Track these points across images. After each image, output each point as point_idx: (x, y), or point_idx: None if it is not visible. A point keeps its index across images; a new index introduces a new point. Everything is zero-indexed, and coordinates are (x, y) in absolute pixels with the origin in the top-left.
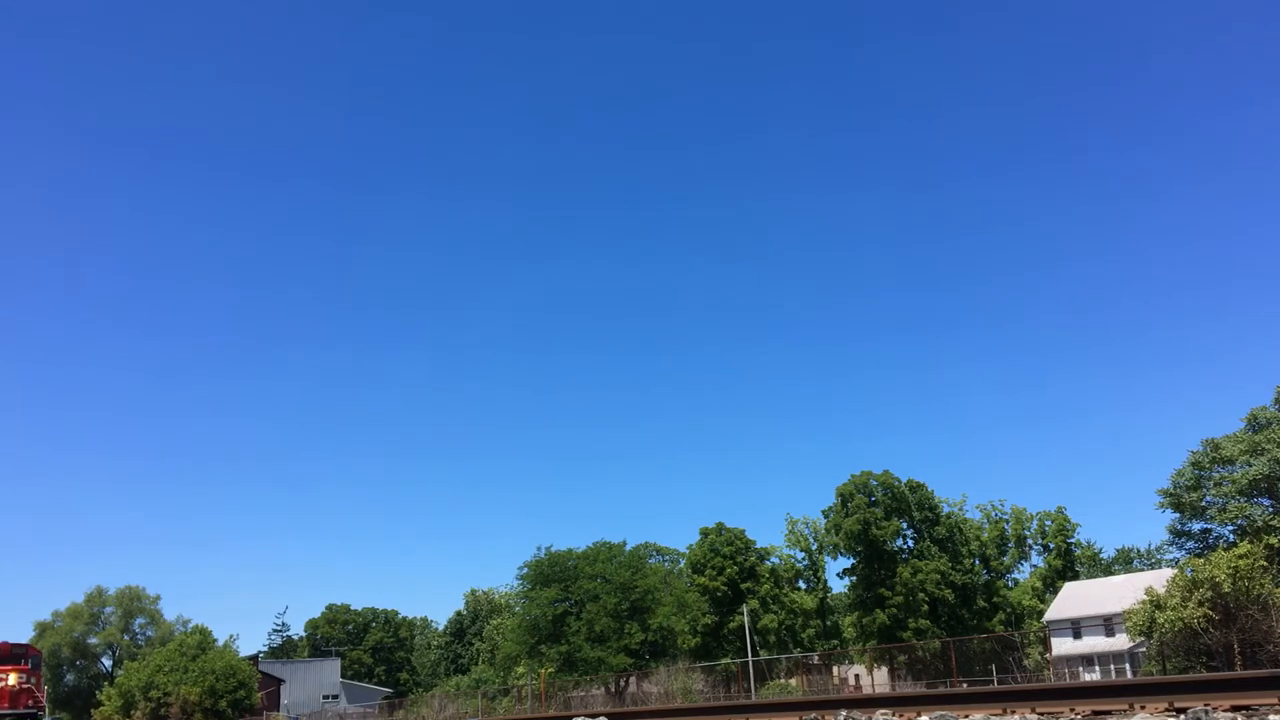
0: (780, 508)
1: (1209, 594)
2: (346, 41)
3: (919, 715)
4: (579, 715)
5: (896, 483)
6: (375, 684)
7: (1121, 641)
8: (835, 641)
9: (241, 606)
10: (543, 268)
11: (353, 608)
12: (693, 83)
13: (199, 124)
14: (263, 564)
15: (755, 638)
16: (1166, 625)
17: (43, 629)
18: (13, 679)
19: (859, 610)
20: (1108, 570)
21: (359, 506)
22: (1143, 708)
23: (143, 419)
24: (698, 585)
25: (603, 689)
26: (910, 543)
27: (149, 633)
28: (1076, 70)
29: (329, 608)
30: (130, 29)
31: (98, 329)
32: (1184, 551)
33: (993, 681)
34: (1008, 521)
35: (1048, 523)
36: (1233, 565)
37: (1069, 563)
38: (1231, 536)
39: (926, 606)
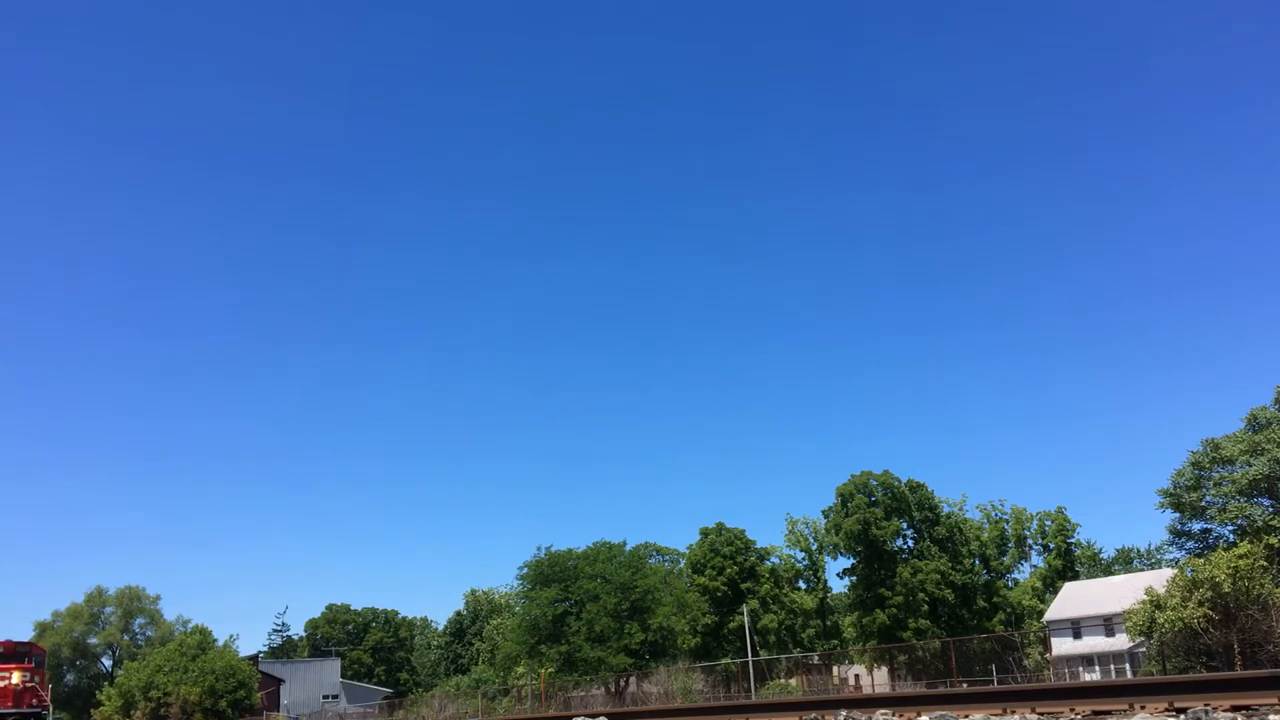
0: (780, 508)
1: (1209, 594)
2: (346, 41)
3: (919, 715)
4: (579, 715)
5: (896, 483)
6: (375, 684)
7: (1121, 641)
8: (835, 641)
9: (241, 606)
10: (543, 268)
11: (353, 608)
12: (693, 83)
13: (199, 124)
14: (263, 564)
15: (755, 638)
16: (1166, 625)
17: (43, 629)
18: (16, 678)
19: (859, 610)
20: (1108, 570)
21: (359, 506)
22: (1143, 708)
23: (143, 419)
24: (698, 585)
25: (603, 689)
26: (910, 543)
27: (149, 633)
28: (1076, 70)
29: (329, 608)
30: (130, 29)
31: (98, 329)
32: (1184, 551)
33: (993, 681)
34: (1008, 521)
35: (1048, 523)
36: (1233, 565)
37: (1069, 563)
38: (1231, 536)
39: (926, 606)
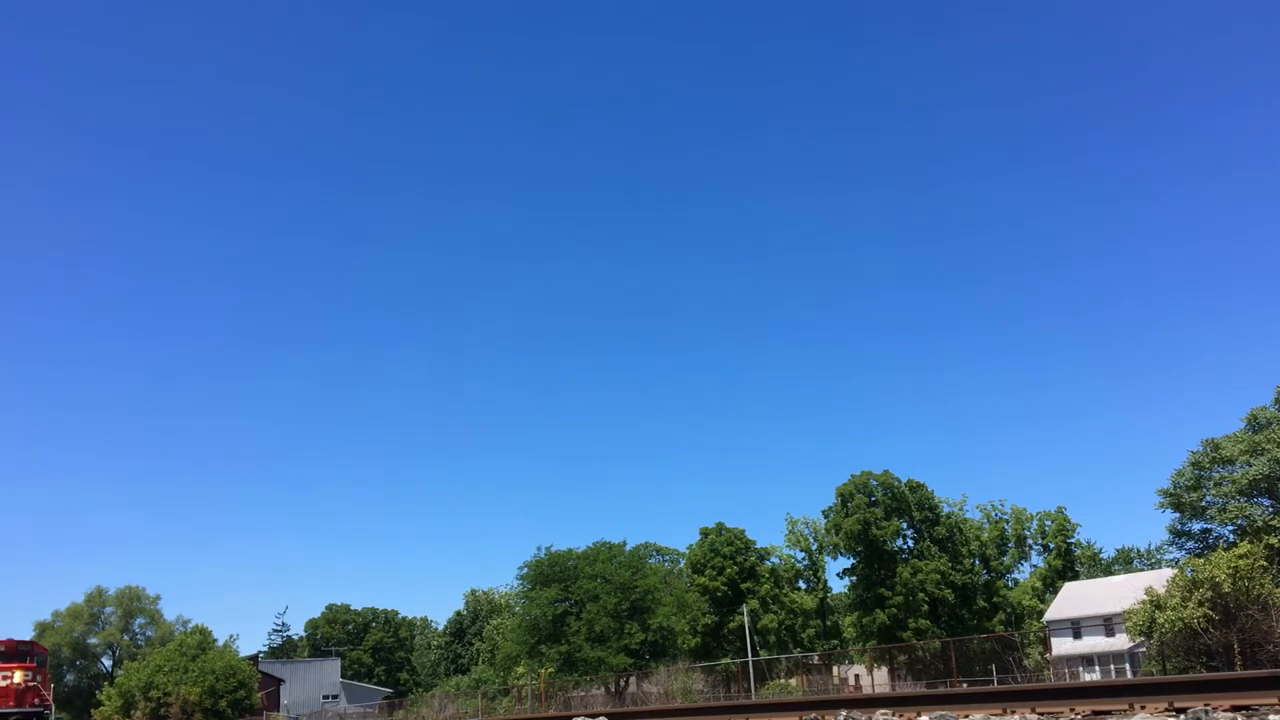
0: (780, 508)
1: (1209, 594)
2: (346, 41)
3: (919, 715)
4: (579, 715)
5: (896, 483)
6: (375, 684)
7: (1121, 641)
8: (835, 641)
9: (241, 606)
10: (543, 268)
11: (353, 608)
12: (693, 83)
13: (199, 124)
14: (263, 564)
15: (755, 638)
16: (1166, 625)
17: (43, 629)
18: (18, 677)
19: (859, 610)
20: (1108, 570)
21: (359, 506)
22: (1143, 708)
23: (143, 419)
24: (698, 585)
25: (603, 689)
26: (910, 543)
27: (149, 633)
28: (1076, 70)
29: (329, 608)
30: (130, 29)
31: (98, 329)
32: (1184, 551)
33: (993, 681)
34: (1008, 521)
35: (1048, 523)
36: (1233, 565)
37: (1069, 563)
38: (1231, 536)
39: (926, 606)
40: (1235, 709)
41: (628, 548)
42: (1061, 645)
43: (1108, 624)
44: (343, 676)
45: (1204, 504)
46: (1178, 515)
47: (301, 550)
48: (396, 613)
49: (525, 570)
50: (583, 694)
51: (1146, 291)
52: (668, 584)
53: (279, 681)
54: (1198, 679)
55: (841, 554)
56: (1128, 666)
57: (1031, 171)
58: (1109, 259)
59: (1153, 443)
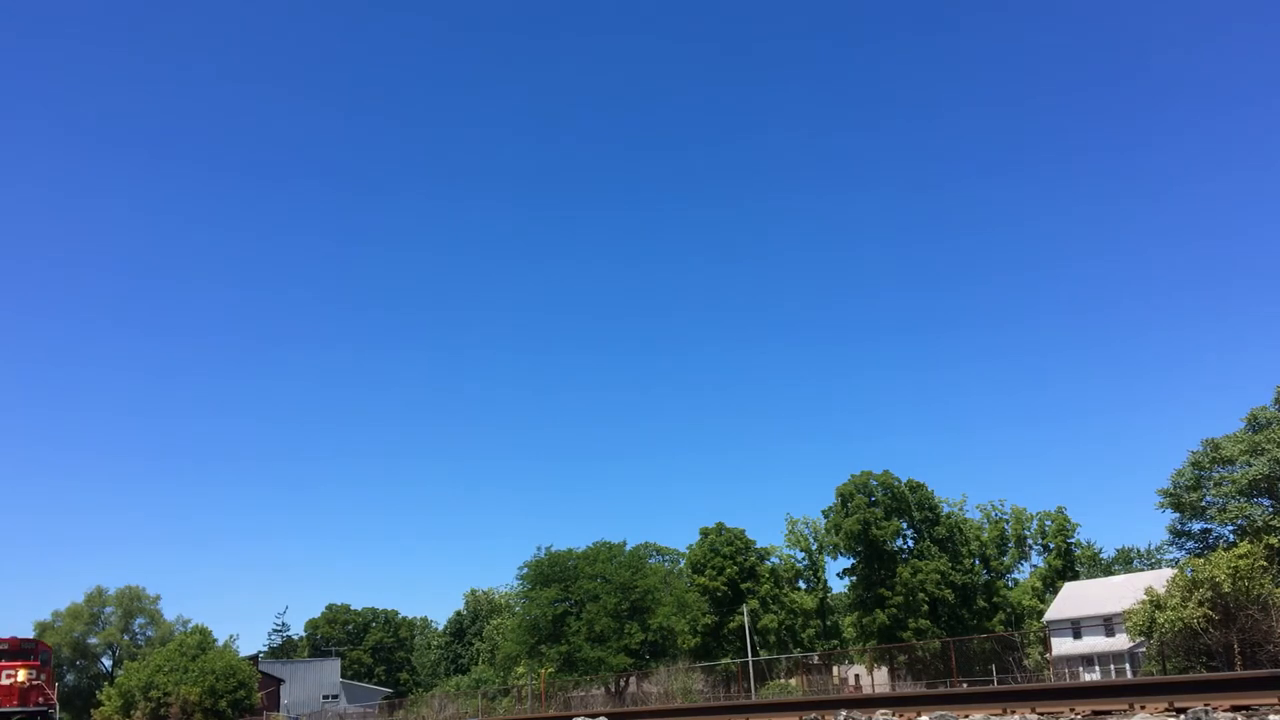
0: (780, 508)
1: (1209, 594)
2: (346, 41)
3: (919, 715)
4: (579, 715)
5: (896, 483)
6: (375, 684)
7: (1121, 641)
8: (835, 641)
9: (241, 606)
10: (543, 268)
11: (353, 608)
12: (693, 83)
13: (199, 124)
14: (263, 564)
15: (755, 638)
16: (1166, 625)
17: (43, 629)
18: (22, 675)
19: (859, 610)
20: (1108, 570)
21: (359, 506)
22: (1143, 708)
23: (143, 419)
24: (698, 585)
25: (603, 689)
26: (910, 543)
27: (149, 633)
28: (1076, 70)
29: (329, 608)
30: (130, 29)
31: (98, 329)
32: (1184, 551)
33: (993, 681)
34: (1008, 521)
35: (1048, 523)
36: (1233, 565)
37: (1069, 563)
38: (1231, 536)
39: (926, 606)
40: (1235, 709)
41: (628, 548)
42: (1061, 645)
43: (1108, 624)
44: (343, 676)
45: (1204, 504)
46: (1178, 515)
47: (301, 550)
48: (396, 613)
49: (525, 570)
50: (583, 694)
51: (1146, 291)
52: (668, 584)
53: (279, 681)
54: (1198, 679)
55: (841, 554)
56: (1128, 666)
57: (1031, 171)
58: (1109, 259)
59: (1153, 443)
